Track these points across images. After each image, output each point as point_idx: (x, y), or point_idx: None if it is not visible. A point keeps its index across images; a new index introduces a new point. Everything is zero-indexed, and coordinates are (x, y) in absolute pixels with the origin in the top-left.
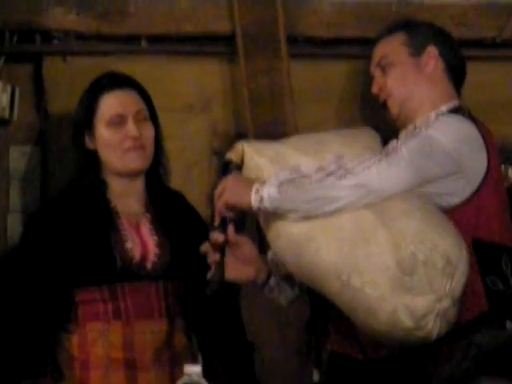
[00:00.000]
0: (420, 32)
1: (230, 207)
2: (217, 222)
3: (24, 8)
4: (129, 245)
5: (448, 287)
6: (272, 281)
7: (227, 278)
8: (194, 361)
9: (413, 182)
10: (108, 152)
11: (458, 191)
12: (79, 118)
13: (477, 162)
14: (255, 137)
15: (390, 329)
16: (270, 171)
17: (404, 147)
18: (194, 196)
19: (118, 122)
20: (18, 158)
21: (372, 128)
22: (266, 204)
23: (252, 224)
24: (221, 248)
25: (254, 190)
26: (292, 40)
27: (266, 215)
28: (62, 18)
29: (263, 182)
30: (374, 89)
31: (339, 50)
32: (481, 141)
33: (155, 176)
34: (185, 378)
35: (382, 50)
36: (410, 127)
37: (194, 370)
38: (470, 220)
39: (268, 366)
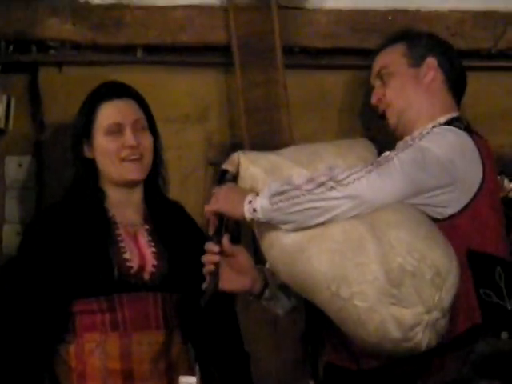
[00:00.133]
0: (420, 43)
1: (221, 215)
2: (210, 231)
3: (20, 18)
4: (127, 255)
5: (437, 298)
6: (268, 291)
7: (222, 288)
8: (192, 371)
9: (405, 192)
10: (105, 161)
11: (452, 203)
12: (78, 126)
13: (471, 174)
14: (251, 147)
15: (378, 340)
16: (265, 181)
17: (396, 158)
18: (190, 206)
19: (116, 130)
20: (14, 168)
21: (368, 139)
22: (259, 215)
23: (247, 234)
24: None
25: (246, 200)
26: (288, 50)
27: (259, 225)
28: (57, 28)
29: (256, 194)
30: (374, 99)
31: (335, 60)
32: (476, 152)
33: (154, 186)
34: None
35: (382, 60)
36: (407, 138)
37: (188, 381)
38: (464, 230)
39: (264, 377)
